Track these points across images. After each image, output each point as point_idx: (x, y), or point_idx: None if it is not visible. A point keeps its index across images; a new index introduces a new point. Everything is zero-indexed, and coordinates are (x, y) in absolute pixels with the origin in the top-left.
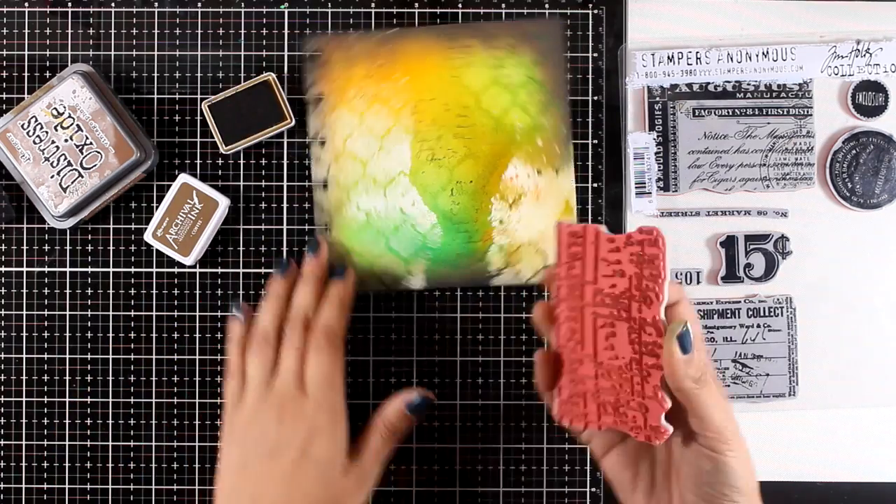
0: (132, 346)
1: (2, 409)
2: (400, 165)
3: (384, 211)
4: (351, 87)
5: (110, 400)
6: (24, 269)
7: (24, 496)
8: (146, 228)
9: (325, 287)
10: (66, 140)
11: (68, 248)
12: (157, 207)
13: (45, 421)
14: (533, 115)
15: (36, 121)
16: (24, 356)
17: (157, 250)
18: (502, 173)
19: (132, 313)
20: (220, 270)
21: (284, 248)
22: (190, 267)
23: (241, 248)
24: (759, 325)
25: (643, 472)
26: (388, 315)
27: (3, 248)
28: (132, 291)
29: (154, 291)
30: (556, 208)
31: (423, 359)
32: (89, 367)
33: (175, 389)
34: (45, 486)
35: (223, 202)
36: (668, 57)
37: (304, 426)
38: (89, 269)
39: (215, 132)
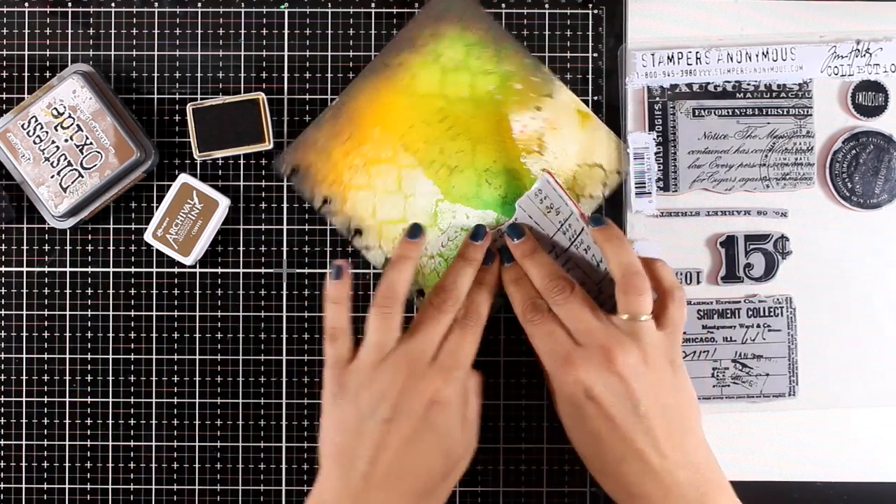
0: (132, 346)
1: (2, 409)
2: (433, 197)
3: (450, 241)
4: (343, 173)
5: (110, 400)
6: (24, 269)
7: (24, 496)
8: (146, 228)
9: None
10: (66, 140)
11: (68, 248)
12: (157, 207)
13: (45, 421)
14: (494, 71)
15: (36, 121)
16: (24, 356)
17: (157, 250)
18: (512, 134)
19: (132, 313)
20: (220, 270)
21: (284, 248)
22: (190, 267)
23: (241, 248)
24: (759, 325)
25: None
26: None
27: (3, 248)
28: (132, 291)
29: (154, 291)
30: (574, 123)
31: None
32: (89, 367)
33: (175, 389)
34: (45, 486)
35: (223, 202)
36: (668, 57)
37: (427, 395)
38: (89, 269)
39: (192, 136)
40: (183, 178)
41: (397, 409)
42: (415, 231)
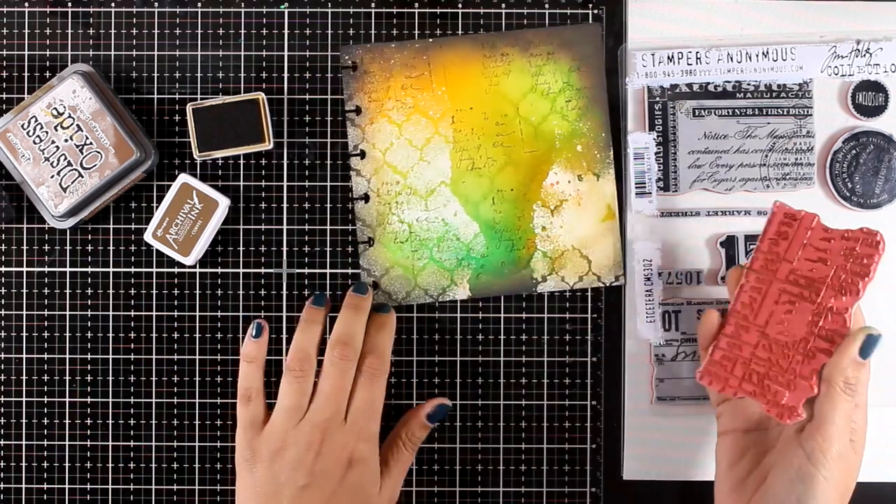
0: (132, 346)
1: (2, 409)
2: (440, 176)
3: (426, 222)
4: (389, 99)
5: (110, 400)
6: (24, 269)
7: (24, 496)
8: (146, 228)
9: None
10: (66, 140)
11: (68, 248)
12: (157, 207)
13: (45, 421)
14: (572, 121)
15: (36, 121)
16: (24, 356)
17: (157, 250)
18: (543, 180)
19: (132, 313)
20: (220, 270)
21: (284, 249)
22: (190, 267)
23: (241, 248)
24: None
25: (744, 464)
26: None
27: (3, 248)
28: (132, 291)
29: (154, 291)
30: (599, 214)
31: (424, 359)
32: (89, 367)
33: (175, 389)
34: (45, 486)
35: (223, 202)
36: (668, 57)
37: (345, 456)
38: (89, 269)
39: (192, 136)
40: (183, 178)
41: (314, 475)
42: (319, 300)
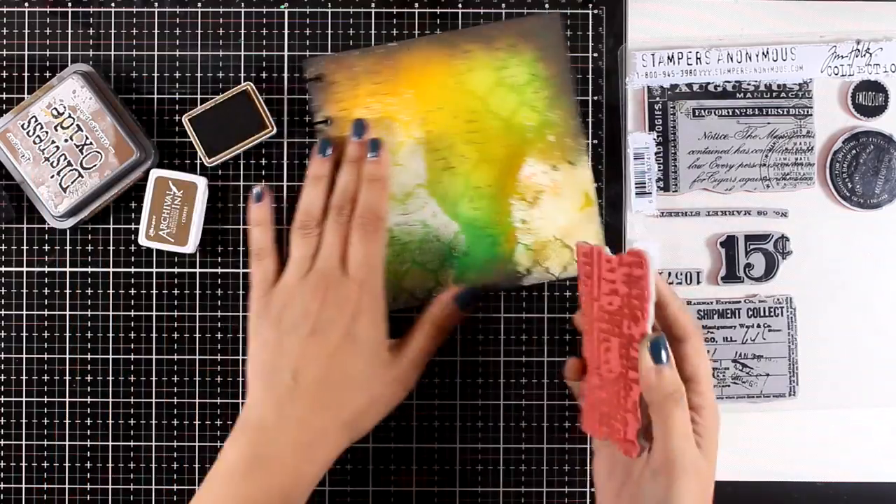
0: (132, 346)
1: (2, 409)
2: (416, 178)
3: (406, 226)
4: (358, 107)
5: (110, 400)
6: (24, 269)
7: (24, 496)
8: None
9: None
10: (66, 140)
11: (68, 248)
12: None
13: (45, 421)
14: (541, 111)
15: (36, 121)
16: (24, 356)
17: (156, 250)
18: (518, 173)
19: (132, 313)
20: (220, 270)
21: (284, 249)
22: (190, 256)
23: (241, 248)
24: (759, 325)
25: (618, 475)
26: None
27: (3, 248)
28: (132, 291)
29: (154, 291)
30: (577, 201)
31: None
32: (89, 367)
33: (175, 389)
34: (45, 486)
35: (201, 183)
36: (668, 57)
37: (348, 307)
38: (89, 269)
39: (198, 145)
40: (154, 172)
41: (319, 323)
42: (324, 147)
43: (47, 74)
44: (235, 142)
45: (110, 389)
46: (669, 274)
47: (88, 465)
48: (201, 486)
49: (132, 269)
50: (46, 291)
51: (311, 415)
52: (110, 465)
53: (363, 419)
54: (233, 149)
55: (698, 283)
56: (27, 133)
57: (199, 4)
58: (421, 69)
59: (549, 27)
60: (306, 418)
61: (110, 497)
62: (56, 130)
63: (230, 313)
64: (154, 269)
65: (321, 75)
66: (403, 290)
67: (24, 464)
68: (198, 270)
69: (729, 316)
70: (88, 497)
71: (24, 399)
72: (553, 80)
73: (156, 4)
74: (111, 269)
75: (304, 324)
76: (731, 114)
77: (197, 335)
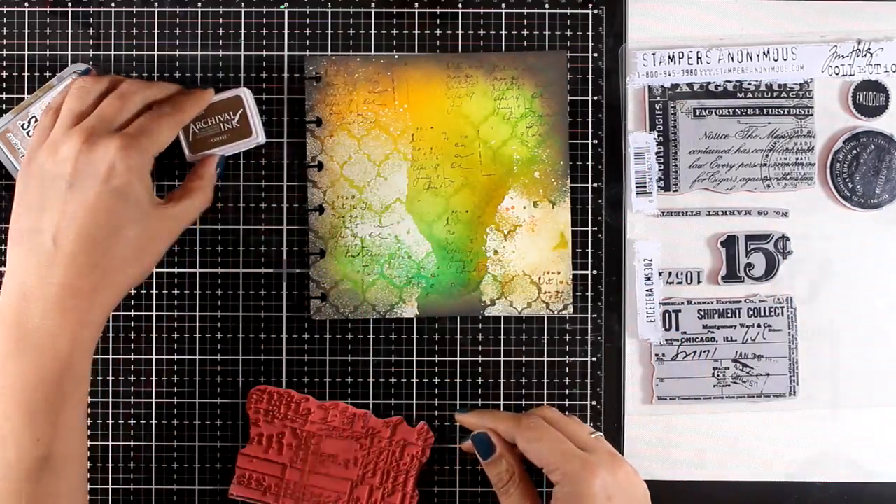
0: (132, 346)
1: None
2: (396, 193)
3: (379, 238)
4: (351, 112)
5: (110, 400)
6: None
7: None
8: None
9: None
10: None
11: None
12: None
13: None
14: (531, 147)
15: (36, 121)
16: None
17: None
18: (498, 204)
19: (132, 313)
20: (220, 270)
21: (284, 249)
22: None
23: (241, 248)
24: (759, 325)
25: None
26: (388, 315)
27: (3, 247)
28: (132, 291)
29: (154, 291)
30: (551, 241)
31: (423, 358)
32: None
33: (175, 389)
34: None
35: (260, 138)
36: (669, 56)
37: (108, 158)
38: None
39: (182, 138)
40: (242, 91)
41: (78, 173)
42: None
43: (47, 74)
44: (219, 144)
45: (110, 389)
46: (670, 274)
47: (88, 465)
48: None
49: None
50: None
51: (77, 279)
52: (110, 465)
53: (140, 263)
54: (215, 150)
55: (699, 282)
56: (27, 133)
57: (199, 4)
58: (419, 86)
59: (554, 65)
60: (70, 283)
61: (110, 497)
62: None
63: (230, 313)
64: (154, 269)
65: (319, 75)
66: (366, 301)
67: None
68: (198, 270)
69: (729, 316)
70: (88, 497)
71: None
72: (548, 118)
73: (156, 4)
74: None
75: (63, 175)
76: (731, 113)
77: (197, 335)
